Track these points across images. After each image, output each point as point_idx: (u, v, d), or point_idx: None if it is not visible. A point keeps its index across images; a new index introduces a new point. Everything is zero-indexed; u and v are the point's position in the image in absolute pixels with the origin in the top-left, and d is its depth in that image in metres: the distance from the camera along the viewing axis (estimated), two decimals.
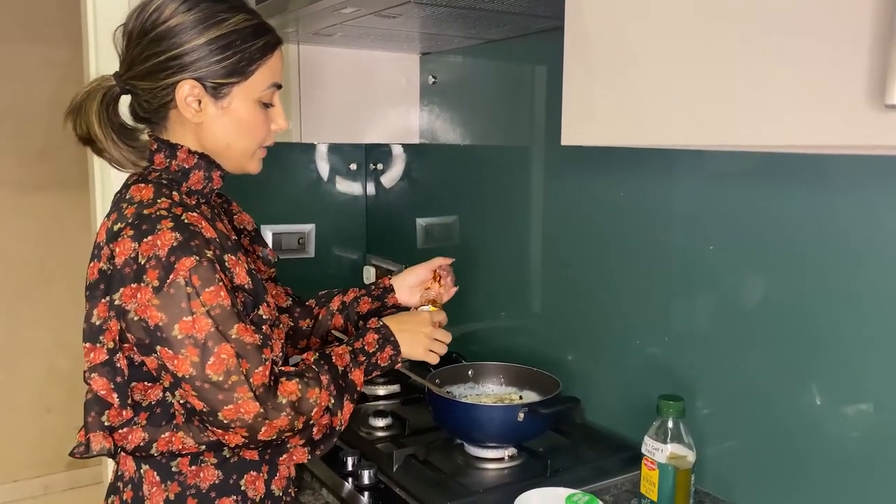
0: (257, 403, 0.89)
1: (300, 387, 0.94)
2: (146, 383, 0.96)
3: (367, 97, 1.83)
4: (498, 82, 1.63)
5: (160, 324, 0.87)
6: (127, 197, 0.96)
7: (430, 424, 1.33)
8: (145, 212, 0.91)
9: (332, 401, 0.97)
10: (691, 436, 1.05)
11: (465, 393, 1.37)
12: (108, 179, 1.80)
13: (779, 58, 0.71)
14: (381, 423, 1.38)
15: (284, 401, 0.92)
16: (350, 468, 1.19)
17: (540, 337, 1.55)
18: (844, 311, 0.98)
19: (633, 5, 0.86)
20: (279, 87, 1.01)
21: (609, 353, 1.37)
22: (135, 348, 0.92)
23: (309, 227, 2.08)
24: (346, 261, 2.17)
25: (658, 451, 1.05)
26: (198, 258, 0.88)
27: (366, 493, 1.14)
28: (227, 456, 0.99)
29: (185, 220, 0.90)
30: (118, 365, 0.94)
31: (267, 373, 0.91)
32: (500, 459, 1.24)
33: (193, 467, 0.97)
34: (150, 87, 0.96)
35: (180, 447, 0.96)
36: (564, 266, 1.48)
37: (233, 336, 0.89)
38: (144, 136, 1.02)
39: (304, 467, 1.23)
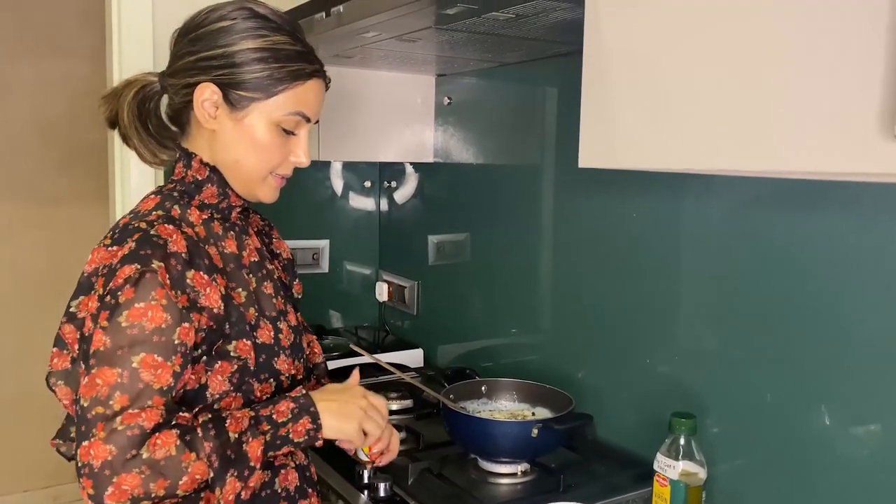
0: (110, 447, 0.78)
1: (177, 444, 0.81)
2: None
3: (383, 117, 1.87)
4: (512, 104, 1.66)
5: (87, 334, 0.85)
6: (135, 207, 0.98)
7: (443, 439, 1.35)
8: (132, 223, 0.90)
9: (212, 474, 0.82)
10: (703, 453, 1.07)
11: (479, 409, 1.39)
12: (127, 192, 1.84)
13: (796, 89, 0.73)
14: None
15: (145, 455, 0.79)
16: (366, 480, 1.21)
17: (551, 354, 1.57)
18: (854, 332, 1.00)
19: (652, 33, 0.89)
20: (308, 119, 0.98)
21: (620, 371, 1.39)
22: None
23: (323, 243, 2.11)
24: (358, 276, 2.20)
25: (670, 468, 1.06)
26: (140, 267, 0.84)
27: None
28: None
29: (152, 232, 0.88)
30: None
31: (144, 416, 0.81)
32: (514, 474, 1.26)
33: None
34: (176, 84, 0.96)
35: None
36: (575, 284, 1.50)
37: (132, 364, 0.81)
38: (171, 142, 1.03)
39: (320, 478, 1.26)
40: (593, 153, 0.99)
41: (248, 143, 0.96)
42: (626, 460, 1.31)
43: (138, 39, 1.80)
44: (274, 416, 0.90)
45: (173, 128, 1.03)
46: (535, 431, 1.20)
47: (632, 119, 0.92)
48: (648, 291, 1.32)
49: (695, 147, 0.85)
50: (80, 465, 0.80)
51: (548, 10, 1.08)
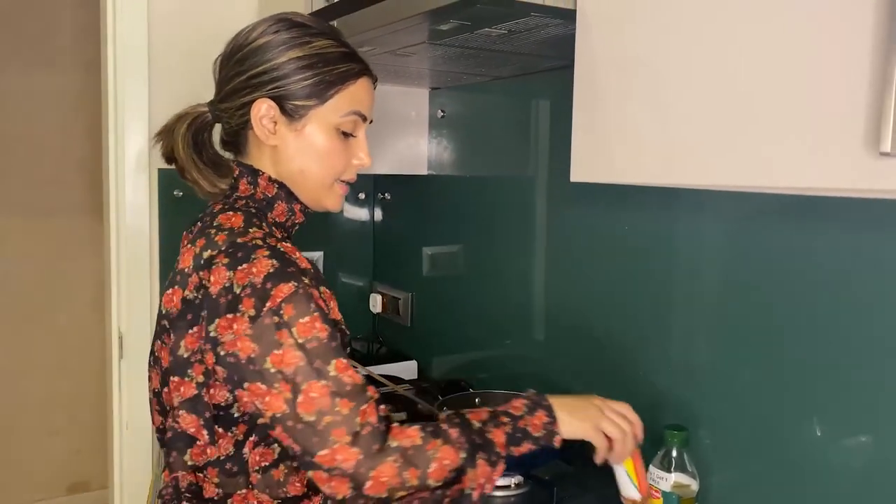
0: (357, 449, 0.81)
1: (421, 435, 0.84)
2: (219, 429, 0.89)
3: (377, 129, 1.87)
4: (505, 117, 1.68)
5: (253, 356, 0.82)
6: (215, 224, 0.93)
7: None
8: (239, 240, 0.88)
9: (463, 455, 0.85)
10: (695, 465, 1.08)
11: None
12: (122, 205, 1.85)
13: (783, 106, 0.75)
14: None
15: (395, 444, 0.83)
16: None
17: (545, 366, 1.57)
18: (845, 345, 1.01)
19: (642, 50, 0.91)
20: (364, 118, 0.99)
21: (613, 383, 1.39)
22: (223, 383, 0.87)
23: (317, 255, 2.12)
24: (352, 288, 2.20)
25: (662, 480, 1.07)
26: (296, 284, 0.84)
27: None
28: None
29: (281, 249, 0.88)
30: (206, 400, 0.88)
31: (374, 412, 0.84)
32: (507, 487, 1.26)
33: None
34: (230, 107, 0.96)
35: (255, 503, 0.91)
36: (569, 296, 1.51)
37: (330, 373, 0.82)
38: (227, 170, 1.01)
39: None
40: (585, 168, 1.00)
41: (310, 151, 0.97)
42: None
43: (134, 54, 1.81)
44: (511, 411, 0.92)
45: (227, 154, 1.03)
46: None
47: (622, 134, 0.94)
48: (641, 304, 1.33)
49: (685, 162, 0.86)
50: (326, 467, 0.81)
51: (539, 26, 1.10)
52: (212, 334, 0.86)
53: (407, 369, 1.95)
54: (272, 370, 0.82)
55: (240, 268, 0.85)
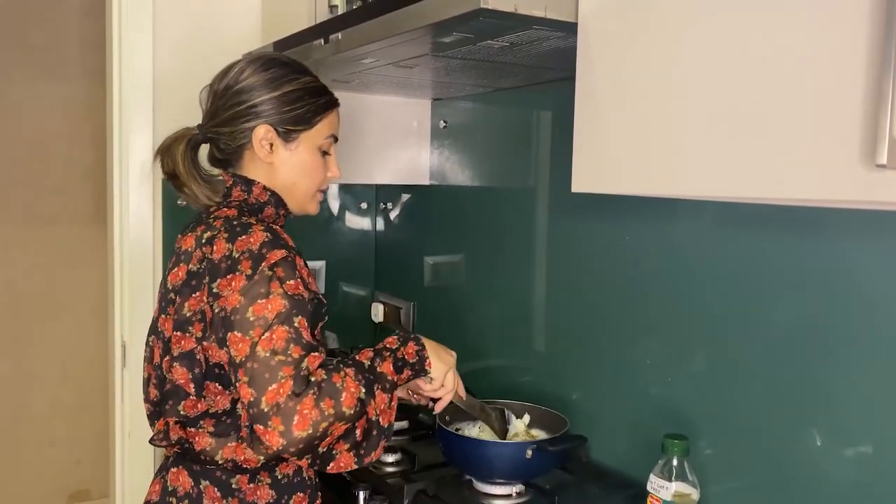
0: (292, 383, 0.93)
1: (324, 373, 0.97)
2: (218, 386, 1.03)
3: (379, 139, 1.89)
4: (506, 127, 1.69)
5: (237, 306, 0.96)
6: (213, 216, 1.09)
7: (438, 460, 1.36)
8: (235, 222, 1.05)
9: (363, 389, 0.98)
10: (695, 474, 1.08)
11: (474, 430, 1.40)
12: (126, 214, 1.86)
13: (780, 118, 0.76)
14: (390, 458, 1.41)
15: (312, 379, 0.95)
16: (362, 502, 1.22)
17: (546, 375, 1.58)
18: (845, 354, 1.02)
19: (641, 63, 0.92)
20: (336, 139, 1.20)
21: (614, 393, 1.40)
22: (216, 343, 1.00)
23: (320, 264, 2.13)
24: (354, 297, 2.21)
25: (663, 489, 1.07)
26: (286, 252, 1.01)
27: None
28: (279, 477, 1.09)
29: (273, 227, 1.05)
30: (198, 357, 1.03)
31: (316, 364, 0.96)
32: (508, 496, 1.26)
33: (251, 485, 1.07)
34: (231, 131, 1.13)
35: (243, 458, 1.04)
36: (569, 306, 1.52)
37: (295, 324, 0.96)
38: (218, 179, 1.17)
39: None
40: (585, 178, 1.01)
41: (301, 167, 1.16)
42: (620, 481, 1.32)
43: (138, 65, 1.83)
44: (387, 345, 1.09)
45: (216, 170, 1.19)
46: (529, 453, 1.21)
47: (623, 146, 0.95)
48: (641, 313, 1.34)
49: (682, 174, 0.87)
50: (266, 410, 0.92)
51: (541, 38, 1.11)
52: (214, 290, 1.00)
53: None
54: (251, 318, 0.96)
55: (239, 238, 1.01)
